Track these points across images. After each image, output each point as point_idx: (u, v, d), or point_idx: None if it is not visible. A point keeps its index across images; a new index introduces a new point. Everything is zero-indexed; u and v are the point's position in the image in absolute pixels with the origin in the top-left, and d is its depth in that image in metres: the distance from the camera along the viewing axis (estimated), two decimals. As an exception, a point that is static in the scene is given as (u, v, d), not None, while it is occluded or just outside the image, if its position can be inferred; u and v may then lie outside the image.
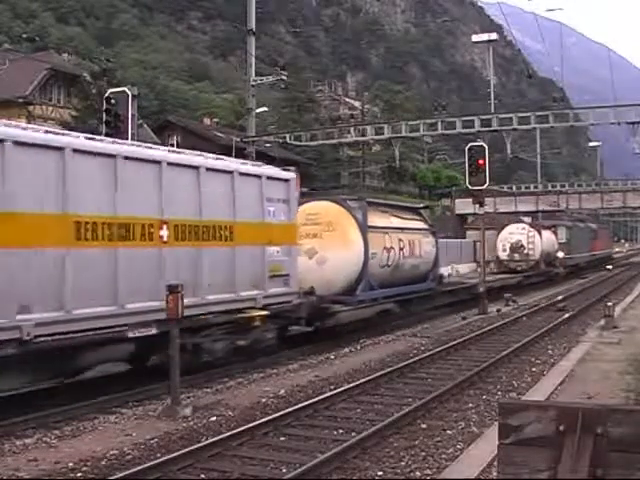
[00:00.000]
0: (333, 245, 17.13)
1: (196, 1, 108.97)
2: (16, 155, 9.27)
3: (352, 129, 36.69)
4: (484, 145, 24.04)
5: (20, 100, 41.10)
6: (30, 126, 11.24)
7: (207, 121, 62.03)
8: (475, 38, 63.07)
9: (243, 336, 13.27)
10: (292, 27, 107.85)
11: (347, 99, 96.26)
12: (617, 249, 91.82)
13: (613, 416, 2.69)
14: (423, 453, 7.95)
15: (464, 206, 47.38)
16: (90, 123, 34.74)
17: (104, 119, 19.51)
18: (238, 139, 37.39)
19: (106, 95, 19.91)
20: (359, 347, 16.27)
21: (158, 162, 11.61)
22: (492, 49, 58.57)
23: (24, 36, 53.02)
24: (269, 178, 14.38)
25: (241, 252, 13.14)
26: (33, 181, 9.51)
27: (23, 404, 9.78)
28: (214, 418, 9.66)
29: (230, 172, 13.24)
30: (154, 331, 11.03)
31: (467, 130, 31.37)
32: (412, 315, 21.02)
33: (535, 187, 62.40)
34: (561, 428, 2.71)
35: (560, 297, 28.42)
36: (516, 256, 36.36)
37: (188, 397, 10.87)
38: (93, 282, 10.13)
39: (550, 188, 61.24)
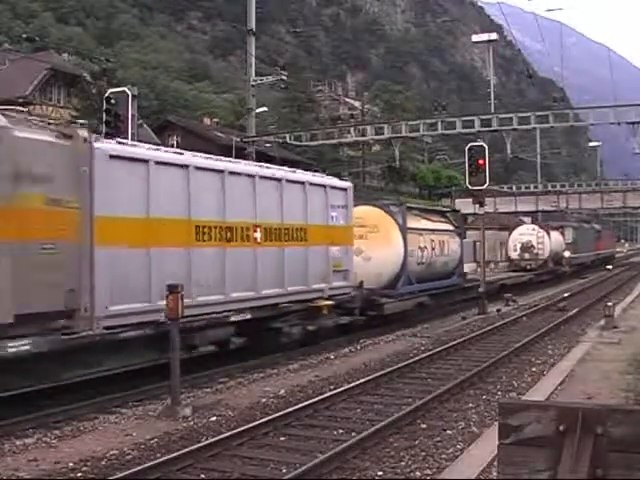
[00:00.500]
0: (377, 245, 19.57)
1: (196, 1, 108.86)
2: (157, 172, 11.49)
3: (352, 129, 36.73)
4: (484, 145, 24.05)
5: (20, 100, 41.02)
6: (165, 148, 13.93)
7: (207, 121, 61.95)
8: (475, 38, 63.09)
9: (312, 322, 15.49)
10: (292, 27, 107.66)
11: (347, 99, 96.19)
12: (617, 249, 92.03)
13: (613, 416, 2.69)
14: (423, 453, 7.94)
15: (464, 206, 47.27)
16: (90, 123, 34.69)
17: (104, 119, 19.47)
18: (238, 139, 37.37)
19: (106, 95, 19.87)
20: (359, 347, 16.27)
21: (252, 176, 13.95)
22: (492, 49, 58.57)
23: (24, 36, 52.78)
24: (332, 187, 16.77)
25: (312, 251, 15.59)
26: (169, 192, 11.74)
27: (23, 404, 9.78)
28: (214, 418, 9.66)
29: (303, 183, 15.62)
30: (249, 316, 13.33)
31: (467, 130, 31.39)
32: (442, 307, 23.32)
33: (535, 187, 62.40)
34: (561, 428, 2.71)
35: (560, 297, 28.43)
36: (526, 255, 38.40)
37: (188, 397, 10.87)
38: (208, 275, 12.36)
39: (550, 188, 61.24)
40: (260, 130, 38.45)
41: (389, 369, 12.77)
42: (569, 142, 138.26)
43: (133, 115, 19.59)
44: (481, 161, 23.10)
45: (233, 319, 12.91)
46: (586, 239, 50.78)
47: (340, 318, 16.68)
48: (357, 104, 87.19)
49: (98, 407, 10.23)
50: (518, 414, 2.80)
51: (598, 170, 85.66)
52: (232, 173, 13.31)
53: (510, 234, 39.78)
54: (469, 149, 23.79)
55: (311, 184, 15.85)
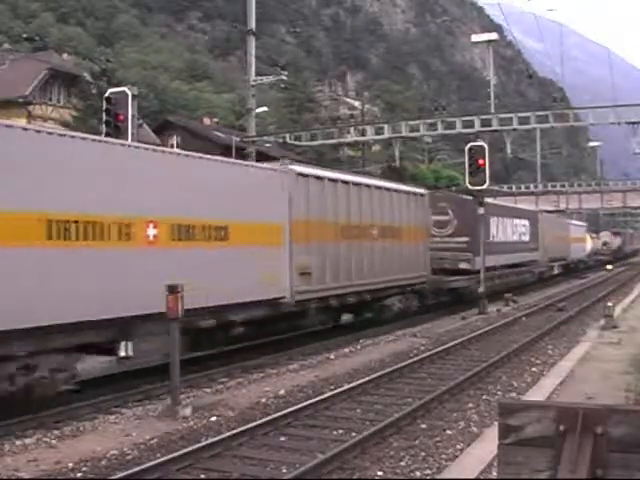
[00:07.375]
0: (588, 242, 58.03)
1: (196, 1, 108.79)
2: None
3: (352, 129, 36.61)
4: (484, 145, 24.02)
5: (20, 100, 41.01)
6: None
7: (207, 121, 61.87)
8: (475, 38, 62.78)
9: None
10: (292, 27, 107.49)
11: (347, 99, 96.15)
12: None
13: (613, 416, 2.69)
14: (423, 453, 7.95)
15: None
16: (90, 123, 34.67)
17: (104, 119, 19.44)
18: (238, 139, 37.32)
19: (106, 95, 19.82)
20: (359, 347, 16.27)
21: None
22: (492, 49, 58.43)
23: (24, 36, 52.78)
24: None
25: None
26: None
27: (23, 404, 9.77)
28: (214, 418, 9.65)
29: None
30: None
31: (467, 130, 31.29)
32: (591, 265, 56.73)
33: (535, 187, 62.36)
34: (561, 428, 2.71)
35: (560, 297, 28.42)
36: (605, 248, 70.12)
37: (188, 397, 10.87)
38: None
39: (550, 188, 61.21)
40: (260, 130, 38.43)
41: (389, 369, 12.77)
42: (569, 142, 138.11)
43: (133, 115, 19.55)
44: (481, 161, 23.09)
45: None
46: (627, 239, 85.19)
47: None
48: (357, 104, 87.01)
49: (98, 407, 10.23)
50: (518, 414, 2.80)
51: (598, 170, 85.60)
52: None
53: (597, 237, 68.39)
54: (469, 149, 23.79)
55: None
